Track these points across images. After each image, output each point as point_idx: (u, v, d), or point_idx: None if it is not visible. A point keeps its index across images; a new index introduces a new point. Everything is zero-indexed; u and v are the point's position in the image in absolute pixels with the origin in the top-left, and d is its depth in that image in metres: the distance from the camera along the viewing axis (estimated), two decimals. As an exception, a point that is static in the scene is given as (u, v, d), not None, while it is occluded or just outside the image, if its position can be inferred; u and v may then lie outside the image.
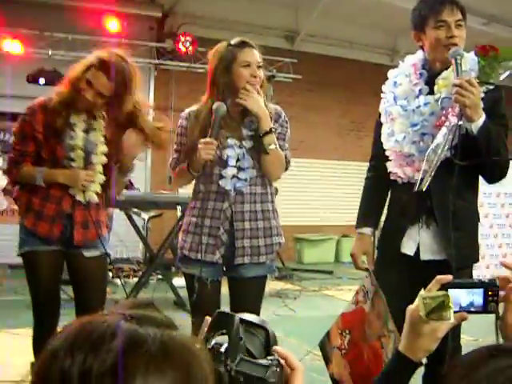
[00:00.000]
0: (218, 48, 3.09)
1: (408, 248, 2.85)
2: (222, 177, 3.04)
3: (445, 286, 1.49)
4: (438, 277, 1.51)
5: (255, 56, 3.07)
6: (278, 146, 3.04)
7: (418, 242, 2.82)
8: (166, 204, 7.14)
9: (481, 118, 2.58)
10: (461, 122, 2.58)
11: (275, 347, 1.13)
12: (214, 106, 2.99)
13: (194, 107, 3.18)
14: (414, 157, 2.80)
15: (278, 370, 1.07)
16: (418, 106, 2.80)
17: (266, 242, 3.12)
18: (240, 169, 3.05)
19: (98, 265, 3.42)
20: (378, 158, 3.03)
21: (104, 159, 3.31)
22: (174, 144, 3.22)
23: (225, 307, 3.12)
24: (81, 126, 3.28)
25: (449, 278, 1.51)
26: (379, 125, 3.03)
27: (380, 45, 11.57)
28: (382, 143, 2.98)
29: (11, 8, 7.97)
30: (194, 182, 3.21)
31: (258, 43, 3.15)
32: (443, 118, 2.73)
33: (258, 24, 9.99)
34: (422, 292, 1.47)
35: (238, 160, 3.05)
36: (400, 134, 2.84)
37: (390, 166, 2.92)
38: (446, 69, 2.79)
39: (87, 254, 3.36)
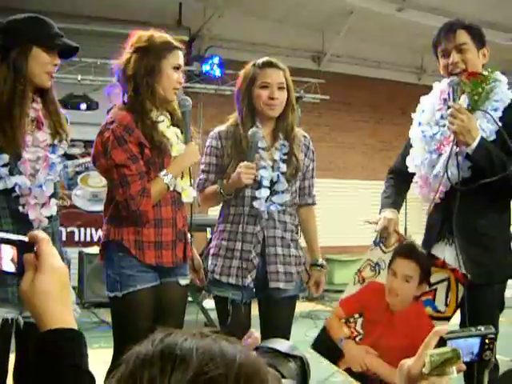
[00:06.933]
0: (245, 68, 3.08)
1: None
2: (254, 198, 2.99)
3: (443, 338, 1.38)
4: (436, 329, 1.41)
5: (275, 77, 2.98)
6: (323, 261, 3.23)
7: (443, 257, 2.91)
8: (195, 226, 7.11)
9: (475, 141, 2.68)
10: (457, 148, 2.74)
11: None
12: (250, 133, 2.94)
13: (223, 127, 3.15)
14: (430, 179, 2.93)
15: None
16: (436, 133, 2.93)
17: (298, 270, 3.12)
18: (274, 192, 3.00)
19: (186, 293, 3.10)
20: (397, 172, 3.22)
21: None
22: (201, 164, 3.13)
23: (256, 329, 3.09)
24: (166, 122, 2.95)
25: (445, 328, 1.41)
26: (409, 146, 3.11)
27: (407, 64, 11.50)
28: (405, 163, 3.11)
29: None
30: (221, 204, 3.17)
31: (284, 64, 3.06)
32: (441, 145, 2.90)
33: (285, 45, 9.99)
34: (431, 350, 1.34)
35: (272, 183, 3.00)
36: (419, 159, 2.99)
37: (415, 188, 3.08)
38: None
39: (183, 281, 3.00)
